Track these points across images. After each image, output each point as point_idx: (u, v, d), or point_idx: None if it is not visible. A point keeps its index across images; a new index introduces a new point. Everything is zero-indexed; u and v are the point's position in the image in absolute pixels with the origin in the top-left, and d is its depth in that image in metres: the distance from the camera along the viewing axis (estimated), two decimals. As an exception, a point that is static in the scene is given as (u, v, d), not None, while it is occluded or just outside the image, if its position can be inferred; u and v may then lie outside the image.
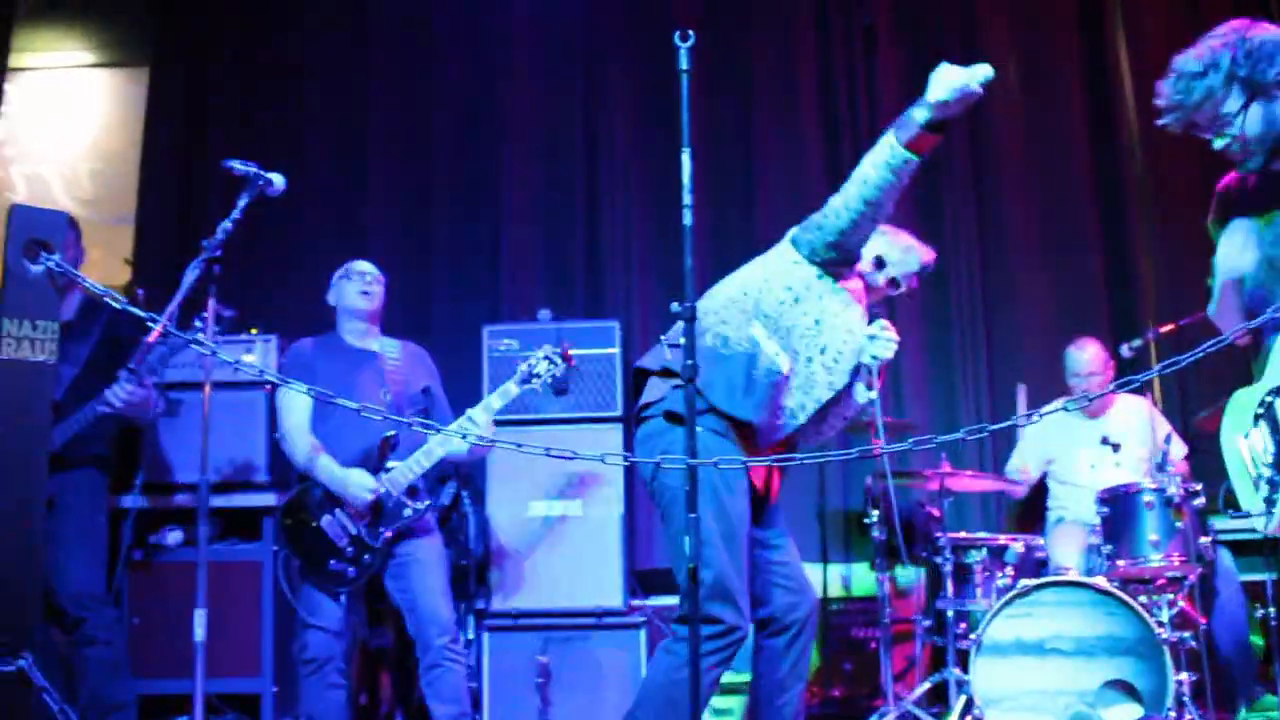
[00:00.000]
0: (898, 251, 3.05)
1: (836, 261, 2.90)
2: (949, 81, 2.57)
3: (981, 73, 2.55)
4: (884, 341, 2.93)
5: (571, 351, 3.89)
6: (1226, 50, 2.43)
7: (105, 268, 5.42)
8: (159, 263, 5.54)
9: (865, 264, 3.00)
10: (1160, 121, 2.51)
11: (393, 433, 3.75)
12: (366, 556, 3.71)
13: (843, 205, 2.79)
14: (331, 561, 3.71)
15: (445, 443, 3.73)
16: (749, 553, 2.87)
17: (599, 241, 5.45)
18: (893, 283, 3.06)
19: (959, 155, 5.42)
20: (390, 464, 3.75)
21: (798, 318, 2.89)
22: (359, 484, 3.69)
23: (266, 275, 5.33)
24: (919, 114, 2.62)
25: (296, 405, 3.86)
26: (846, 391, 2.99)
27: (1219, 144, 2.49)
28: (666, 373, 2.91)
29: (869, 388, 2.97)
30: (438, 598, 3.73)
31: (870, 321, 2.97)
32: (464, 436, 3.54)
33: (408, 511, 3.74)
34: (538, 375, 3.81)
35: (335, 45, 5.79)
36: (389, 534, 3.73)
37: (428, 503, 3.81)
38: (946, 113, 2.61)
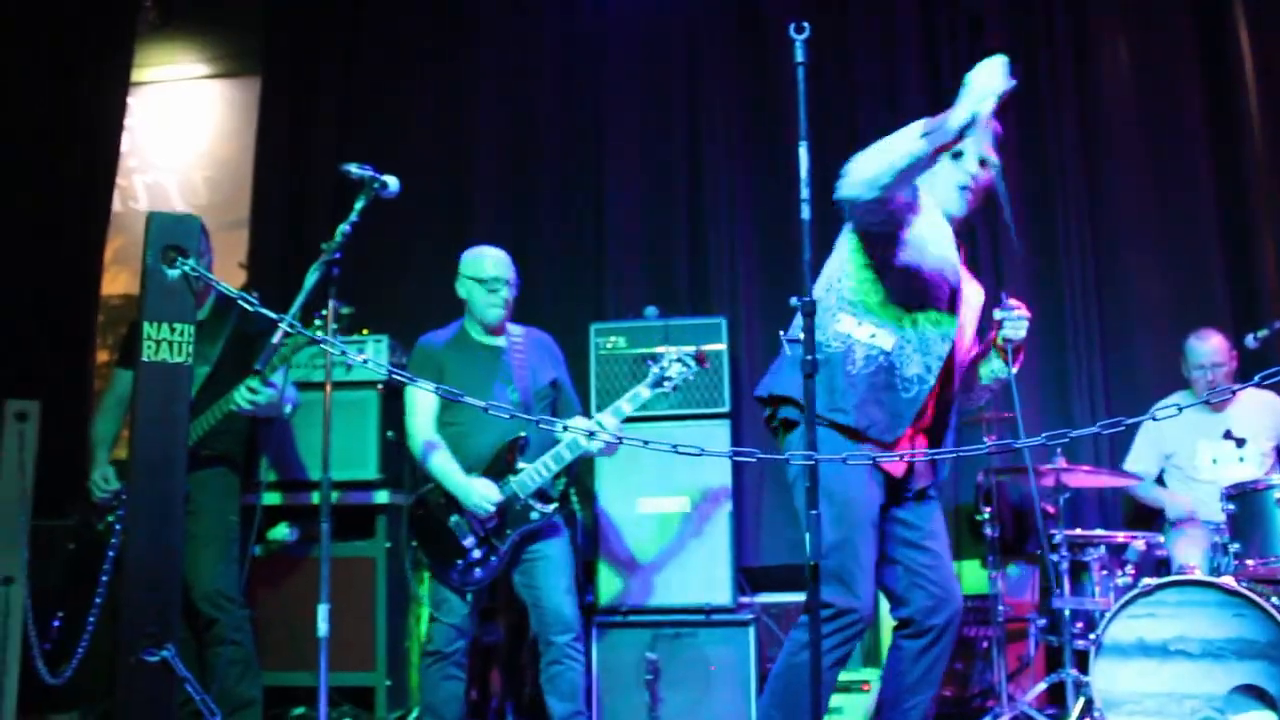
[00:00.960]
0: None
1: (895, 221, 2.87)
2: (982, 92, 2.54)
3: (1000, 83, 2.53)
4: (1014, 321, 2.92)
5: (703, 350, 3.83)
6: None
7: (220, 271, 5.56)
8: (272, 265, 5.70)
9: (942, 170, 2.92)
10: None
11: (523, 434, 3.72)
12: (494, 559, 3.68)
13: (871, 179, 2.78)
14: (459, 562, 3.69)
15: (573, 445, 3.67)
16: (893, 549, 2.89)
17: (703, 236, 5.41)
18: (982, 163, 2.96)
19: (1070, 143, 5.27)
20: (520, 466, 3.72)
21: (885, 288, 2.89)
22: (482, 495, 3.65)
23: (375, 276, 5.39)
24: (955, 124, 2.57)
25: (421, 404, 3.80)
26: (977, 349, 3.01)
27: None
28: (774, 399, 2.96)
29: (1006, 364, 2.95)
30: (563, 595, 3.70)
31: (1000, 304, 2.95)
32: (590, 435, 3.53)
33: (535, 515, 3.69)
34: (669, 378, 3.70)
35: (439, 47, 5.88)
36: (516, 537, 3.69)
37: (555, 506, 3.74)
38: (981, 114, 2.56)
